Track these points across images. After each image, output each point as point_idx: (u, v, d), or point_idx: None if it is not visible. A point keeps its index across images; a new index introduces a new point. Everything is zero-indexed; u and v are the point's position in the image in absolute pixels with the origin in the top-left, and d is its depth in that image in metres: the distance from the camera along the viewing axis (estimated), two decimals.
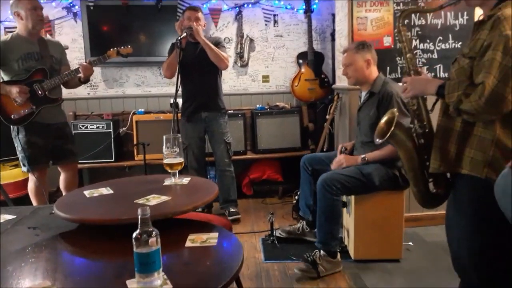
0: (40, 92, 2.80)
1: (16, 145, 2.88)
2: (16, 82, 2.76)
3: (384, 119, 1.77)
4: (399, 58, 3.08)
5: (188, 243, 1.39)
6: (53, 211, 1.65)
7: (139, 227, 1.14)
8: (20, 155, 2.88)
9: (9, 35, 2.87)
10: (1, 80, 2.83)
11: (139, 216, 1.13)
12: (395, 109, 1.80)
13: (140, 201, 1.62)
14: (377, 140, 1.76)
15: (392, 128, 1.65)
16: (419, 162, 1.71)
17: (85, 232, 1.58)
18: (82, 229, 1.60)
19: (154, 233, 1.13)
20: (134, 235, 1.12)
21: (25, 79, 2.78)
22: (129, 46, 3.08)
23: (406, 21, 1.86)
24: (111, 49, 3.00)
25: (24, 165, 2.87)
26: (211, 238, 1.40)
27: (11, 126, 2.83)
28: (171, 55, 3.22)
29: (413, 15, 3.11)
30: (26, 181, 3.57)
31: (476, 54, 1.45)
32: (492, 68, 1.37)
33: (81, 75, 2.88)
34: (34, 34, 2.86)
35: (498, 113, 1.41)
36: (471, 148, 1.50)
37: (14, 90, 2.70)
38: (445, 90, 1.52)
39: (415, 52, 3.13)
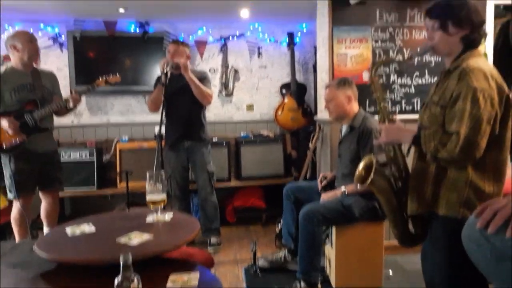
0: (30, 122, 2.86)
1: (5, 172, 2.90)
2: (8, 113, 2.83)
3: (361, 165, 1.84)
4: None
5: (169, 284, 1.40)
6: (33, 248, 1.64)
7: (120, 273, 1.16)
8: (7, 181, 2.90)
9: (3, 67, 2.97)
10: None
11: (121, 263, 1.16)
12: (372, 155, 1.87)
13: (122, 239, 1.63)
14: (358, 186, 1.83)
15: (372, 176, 1.71)
16: (397, 204, 1.78)
17: (66, 271, 1.58)
18: (63, 268, 1.59)
19: (135, 278, 1.16)
20: (116, 282, 1.14)
21: (17, 110, 2.85)
22: (117, 75, 3.15)
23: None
24: (99, 78, 3.06)
25: (10, 191, 2.89)
26: (192, 279, 1.42)
27: (2, 154, 2.87)
28: (156, 91, 3.26)
29: (391, 51, 3.26)
30: (6, 210, 3.53)
31: (447, 103, 1.56)
32: (463, 118, 1.49)
33: (70, 104, 2.95)
34: (29, 66, 2.95)
35: (472, 159, 1.51)
36: (446, 190, 1.59)
37: (4, 123, 2.78)
38: (421, 140, 1.61)
39: (393, 86, 3.28)
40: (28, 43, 2.87)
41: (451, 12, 1.62)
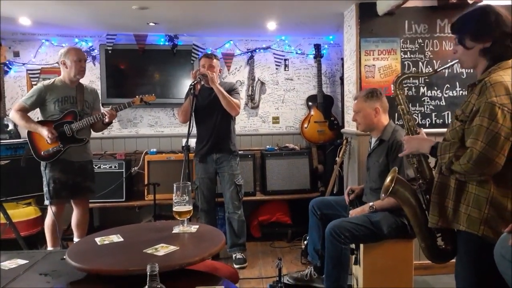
0: (68, 132, 3.02)
1: (43, 179, 3.06)
2: (49, 122, 3.01)
3: (389, 178, 1.82)
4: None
5: None
6: (64, 257, 1.68)
7: (147, 283, 1.17)
8: (45, 188, 3.04)
9: (52, 79, 3.14)
10: (38, 119, 3.09)
11: (148, 273, 1.17)
12: (396, 168, 1.85)
13: (149, 250, 1.65)
14: (382, 195, 1.80)
15: (392, 185, 1.69)
16: (424, 218, 1.74)
17: (94, 280, 1.61)
18: (92, 277, 1.62)
19: None
20: None
21: (57, 120, 3.03)
22: (153, 95, 3.29)
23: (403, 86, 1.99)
24: (136, 97, 3.21)
25: (47, 198, 3.04)
26: None
27: (41, 162, 3.03)
28: (186, 101, 3.32)
29: (420, 63, 3.20)
30: (38, 219, 3.65)
31: (467, 118, 1.54)
32: (479, 134, 1.46)
33: (106, 118, 3.08)
34: (75, 81, 3.13)
35: (486, 174, 1.48)
36: (467, 206, 1.55)
37: (45, 131, 2.95)
38: (437, 151, 1.60)
39: (422, 99, 3.20)
40: (77, 62, 3.05)
41: (467, 26, 1.62)
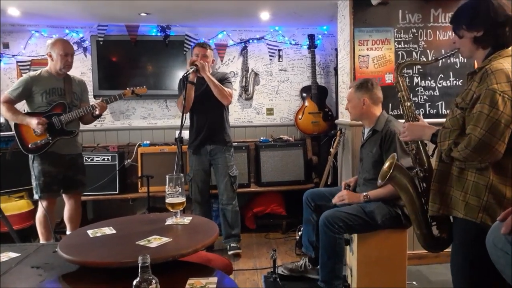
0: (57, 125, 2.97)
1: (31, 173, 3.00)
2: (38, 114, 2.95)
3: (387, 164, 1.82)
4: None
5: None
6: (56, 250, 1.66)
7: (139, 274, 1.16)
8: (34, 182, 2.99)
9: (39, 70, 3.08)
10: (25, 111, 3.03)
11: (139, 264, 1.16)
12: (395, 154, 1.85)
13: (142, 242, 1.64)
14: (379, 181, 1.80)
15: (391, 171, 1.69)
16: (420, 205, 1.74)
17: (87, 273, 1.59)
18: (84, 270, 1.61)
19: (154, 281, 1.16)
20: (134, 283, 1.14)
21: (45, 112, 2.97)
22: (144, 87, 3.24)
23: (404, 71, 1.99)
24: (127, 89, 3.16)
25: (36, 192, 2.99)
26: (210, 284, 1.40)
27: (29, 155, 2.97)
28: (187, 91, 3.19)
29: (414, 53, 3.19)
30: (30, 212, 3.62)
31: (467, 105, 1.54)
32: (479, 121, 1.46)
33: (96, 111, 3.03)
34: (61, 74, 3.08)
35: (486, 161, 1.48)
36: (466, 193, 1.56)
37: (34, 121, 2.88)
38: (438, 138, 1.61)
39: (416, 89, 3.20)
40: (63, 56, 2.99)
41: (462, 16, 1.65)
